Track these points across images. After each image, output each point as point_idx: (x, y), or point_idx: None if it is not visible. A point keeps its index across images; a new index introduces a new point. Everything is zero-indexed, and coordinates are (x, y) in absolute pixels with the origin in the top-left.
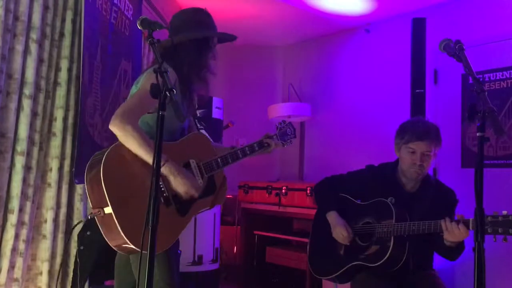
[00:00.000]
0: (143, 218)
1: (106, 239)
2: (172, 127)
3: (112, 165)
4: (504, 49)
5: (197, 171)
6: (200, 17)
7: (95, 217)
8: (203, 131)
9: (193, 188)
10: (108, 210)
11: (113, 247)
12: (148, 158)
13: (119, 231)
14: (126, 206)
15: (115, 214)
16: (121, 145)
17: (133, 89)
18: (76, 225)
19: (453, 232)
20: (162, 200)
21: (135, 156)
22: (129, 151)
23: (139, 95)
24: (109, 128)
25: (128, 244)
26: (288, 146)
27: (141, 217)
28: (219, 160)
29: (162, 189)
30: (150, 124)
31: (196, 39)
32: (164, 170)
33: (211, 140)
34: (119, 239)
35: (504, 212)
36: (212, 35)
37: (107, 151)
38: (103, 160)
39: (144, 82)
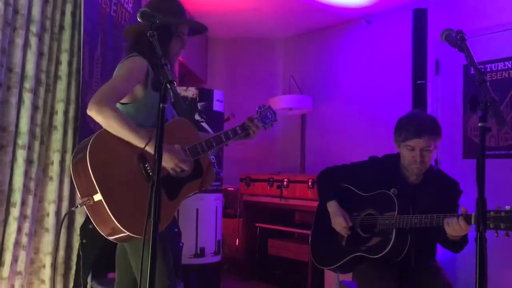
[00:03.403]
0: (133, 203)
1: (97, 228)
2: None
3: (98, 152)
4: (506, 39)
5: None
6: (170, 5)
7: (84, 206)
8: (203, 124)
9: (181, 162)
10: (98, 197)
11: (106, 236)
12: (130, 137)
13: (111, 217)
14: (115, 192)
15: (105, 201)
16: (105, 132)
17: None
18: (65, 215)
19: (453, 227)
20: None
21: (120, 141)
22: (113, 136)
23: (111, 82)
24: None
25: (122, 231)
26: (270, 129)
27: (131, 202)
28: (203, 143)
29: (150, 174)
30: (131, 114)
31: (162, 26)
32: (149, 148)
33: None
34: (111, 226)
35: (507, 208)
36: (178, 22)
37: (92, 138)
38: (88, 147)
39: (118, 69)
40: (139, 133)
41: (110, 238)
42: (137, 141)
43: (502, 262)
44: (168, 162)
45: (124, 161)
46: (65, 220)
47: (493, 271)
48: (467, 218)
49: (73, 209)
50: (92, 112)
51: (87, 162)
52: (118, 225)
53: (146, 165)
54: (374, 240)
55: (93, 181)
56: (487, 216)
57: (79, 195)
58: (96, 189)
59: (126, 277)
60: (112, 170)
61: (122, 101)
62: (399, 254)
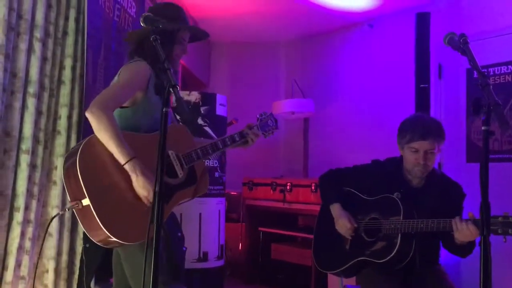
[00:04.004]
0: (122, 209)
1: (87, 235)
2: (157, 113)
3: (88, 156)
4: (509, 43)
5: (177, 162)
6: (171, 11)
7: (74, 210)
8: (206, 128)
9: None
10: (86, 201)
11: (96, 242)
12: (115, 151)
13: (98, 223)
14: (104, 197)
15: (93, 205)
16: (96, 137)
17: (113, 82)
18: (53, 218)
19: (463, 232)
20: None
21: None
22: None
23: (115, 86)
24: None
25: (109, 237)
26: (271, 137)
27: (119, 208)
28: (199, 151)
29: None
30: (129, 117)
31: (163, 31)
32: (127, 166)
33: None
34: (99, 232)
35: None
36: (180, 28)
37: (83, 142)
38: (79, 152)
39: (121, 74)
40: (124, 150)
41: (100, 243)
42: (120, 157)
43: (507, 266)
44: (141, 189)
45: (114, 167)
46: (69, 223)
47: (497, 275)
48: (477, 223)
49: (60, 213)
50: (90, 115)
51: (77, 166)
52: (105, 230)
53: None
54: (379, 244)
55: (81, 185)
56: (496, 221)
57: (69, 199)
58: (84, 193)
59: (122, 283)
60: (101, 175)
61: None
62: (404, 259)
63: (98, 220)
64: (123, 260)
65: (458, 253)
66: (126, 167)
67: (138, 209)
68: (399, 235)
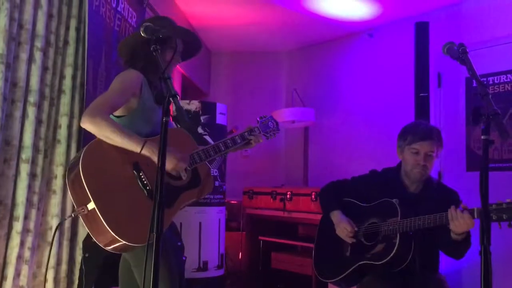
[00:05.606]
0: (127, 211)
1: (94, 239)
2: (154, 119)
3: (91, 161)
4: (508, 52)
5: None
6: (167, 22)
7: (81, 217)
8: (206, 137)
9: (180, 162)
10: (91, 205)
11: (103, 247)
12: (125, 143)
13: (104, 226)
14: (108, 200)
15: (98, 208)
16: (97, 142)
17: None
18: (58, 225)
19: (459, 222)
20: (146, 194)
21: (112, 150)
22: (105, 146)
23: (106, 94)
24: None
25: (118, 240)
26: (273, 142)
27: (125, 210)
28: (200, 152)
29: (145, 182)
30: (126, 125)
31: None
32: (145, 151)
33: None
34: (107, 236)
35: (508, 200)
36: (176, 34)
37: (85, 149)
38: (81, 158)
39: (113, 82)
40: (133, 139)
41: (108, 248)
42: (132, 147)
43: (508, 273)
44: (168, 164)
45: (118, 170)
46: (68, 233)
47: (498, 284)
48: (470, 212)
49: (66, 218)
50: (85, 123)
51: (80, 172)
52: (112, 233)
53: (141, 174)
54: (379, 247)
55: (86, 189)
56: (490, 209)
57: (69, 207)
58: (89, 197)
59: None
60: (105, 178)
61: (116, 114)
62: (404, 260)
63: (104, 223)
64: (133, 267)
65: (454, 251)
66: (144, 151)
67: (144, 210)
68: (398, 235)
